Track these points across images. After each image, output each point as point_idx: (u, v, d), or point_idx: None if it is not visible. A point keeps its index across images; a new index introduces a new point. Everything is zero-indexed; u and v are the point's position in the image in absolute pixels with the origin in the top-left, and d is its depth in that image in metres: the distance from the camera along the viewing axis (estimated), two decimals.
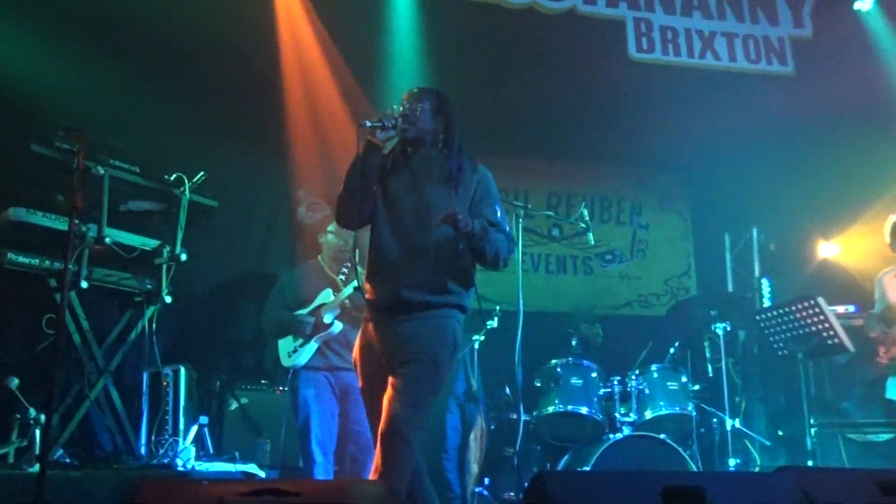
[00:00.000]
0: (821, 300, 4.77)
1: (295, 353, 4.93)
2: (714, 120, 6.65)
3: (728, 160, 7.23)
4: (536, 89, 6.46)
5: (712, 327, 5.81)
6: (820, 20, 6.00)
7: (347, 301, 4.91)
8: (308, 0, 5.77)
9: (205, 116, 5.83)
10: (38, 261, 4.27)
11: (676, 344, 5.78)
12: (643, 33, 5.75)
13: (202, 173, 4.82)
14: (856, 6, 6.15)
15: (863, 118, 6.57)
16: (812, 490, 2.58)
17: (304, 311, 4.97)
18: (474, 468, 5.50)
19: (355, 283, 4.87)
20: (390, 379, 3.30)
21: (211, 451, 4.77)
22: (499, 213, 3.49)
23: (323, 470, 4.73)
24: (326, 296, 4.99)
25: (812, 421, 5.79)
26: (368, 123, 3.28)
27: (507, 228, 3.48)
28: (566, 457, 5.46)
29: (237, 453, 4.79)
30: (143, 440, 4.62)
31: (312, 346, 4.89)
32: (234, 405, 5.63)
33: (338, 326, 4.90)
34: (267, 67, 5.82)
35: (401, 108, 3.43)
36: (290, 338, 4.99)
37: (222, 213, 5.32)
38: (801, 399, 5.54)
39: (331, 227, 5.18)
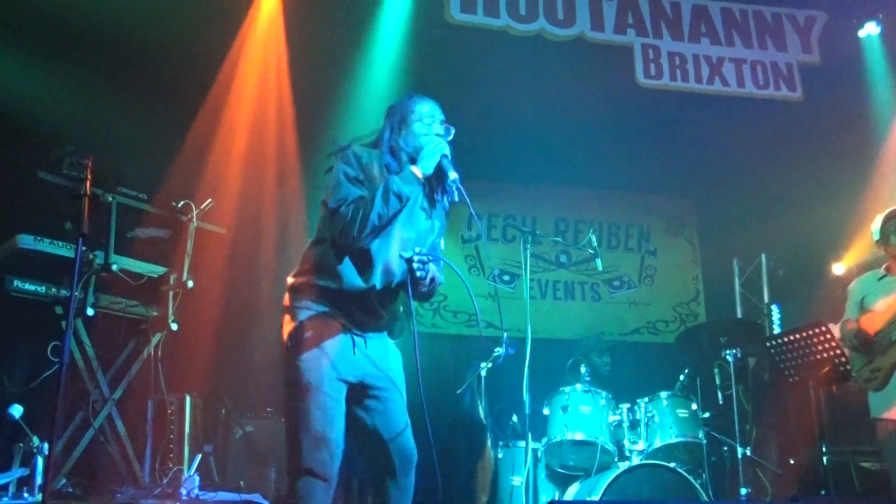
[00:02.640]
0: (831, 326, 4.72)
1: None
2: (722, 145, 6.66)
3: (736, 186, 7.24)
4: (546, 115, 6.50)
5: (722, 354, 5.77)
6: (827, 46, 6.02)
7: None
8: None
9: (214, 144, 5.85)
10: (44, 288, 4.27)
11: (686, 371, 5.72)
12: (651, 59, 5.78)
13: (209, 200, 4.82)
14: (860, 33, 6.19)
15: (869, 141, 6.60)
16: None
17: None
18: (482, 498, 5.44)
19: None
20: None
21: (216, 479, 4.73)
22: None
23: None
24: None
25: (824, 449, 5.72)
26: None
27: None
28: (575, 485, 5.40)
29: (242, 482, 4.74)
30: (147, 469, 4.57)
31: None
32: (240, 433, 5.59)
33: None
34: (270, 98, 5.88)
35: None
36: None
37: (230, 241, 5.31)
38: (812, 427, 5.48)
39: None
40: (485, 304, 7.29)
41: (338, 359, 2.94)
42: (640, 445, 5.32)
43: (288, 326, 2.97)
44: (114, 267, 4.42)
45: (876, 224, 4.61)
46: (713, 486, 5.51)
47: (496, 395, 5.78)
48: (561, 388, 5.48)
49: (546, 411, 5.49)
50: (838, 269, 7.36)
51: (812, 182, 6.82)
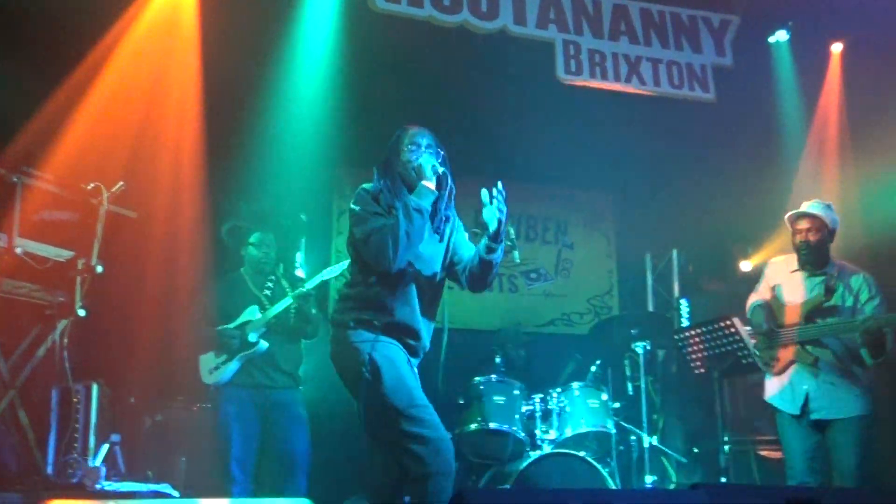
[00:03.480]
0: (736, 320, 4.88)
1: (217, 369, 4.82)
2: (639, 143, 6.81)
3: (651, 183, 7.43)
4: (467, 107, 6.53)
5: (633, 346, 5.93)
6: (739, 50, 6.22)
7: (274, 318, 4.84)
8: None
9: (127, 127, 5.68)
10: None
11: (598, 362, 5.86)
12: (572, 56, 5.85)
13: (121, 183, 4.68)
14: (770, 39, 6.42)
15: (778, 144, 6.86)
16: None
17: (229, 327, 4.87)
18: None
19: (289, 299, 4.81)
20: None
21: (123, 470, 4.62)
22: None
23: (241, 489, 4.63)
24: (252, 313, 4.90)
25: (726, 438, 5.95)
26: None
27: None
28: (487, 474, 5.47)
29: (150, 473, 4.65)
30: (51, 460, 4.43)
31: (235, 363, 4.79)
32: (150, 423, 5.47)
33: (263, 345, 4.81)
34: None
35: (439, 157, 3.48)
36: (211, 354, 4.88)
37: (145, 226, 5.18)
38: (715, 417, 5.69)
39: (252, 239, 5.09)
40: None
41: (410, 374, 3.33)
42: (552, 435, 5.43)
43: (357, 357, 3.23)
44: (18, 250, 4.25)
45: (786, 219, 4.73)
46: (620, 473, 5.68)
47: None
48: (475, 379, 5.55)
49: (461, 401, 5.54)
50: (745, 266, 7.62)
51: (722, 181, 7.02)
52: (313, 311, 4.96)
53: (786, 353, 4.53)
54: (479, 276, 3.56)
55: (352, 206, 3.39)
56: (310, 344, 5.11)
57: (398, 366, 3.26)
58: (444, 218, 3.47)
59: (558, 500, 2.57)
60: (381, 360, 3.22)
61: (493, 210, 3.41)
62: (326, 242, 7.23)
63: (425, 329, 3.45)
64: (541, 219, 7.94)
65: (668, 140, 6.81)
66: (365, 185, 3.47)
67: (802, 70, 6.55)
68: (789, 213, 4.64)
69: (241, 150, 6.11)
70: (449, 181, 3.42)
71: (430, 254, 3.47)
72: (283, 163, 6.15)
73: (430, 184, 3.36)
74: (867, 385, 4.42)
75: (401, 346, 3.34)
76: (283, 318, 4.86)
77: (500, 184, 3.41)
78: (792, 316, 4.54)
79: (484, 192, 3.41)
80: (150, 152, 5.77)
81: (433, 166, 3.39)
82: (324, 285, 5.14)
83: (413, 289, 3.37)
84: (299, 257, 5.52)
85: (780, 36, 6.42)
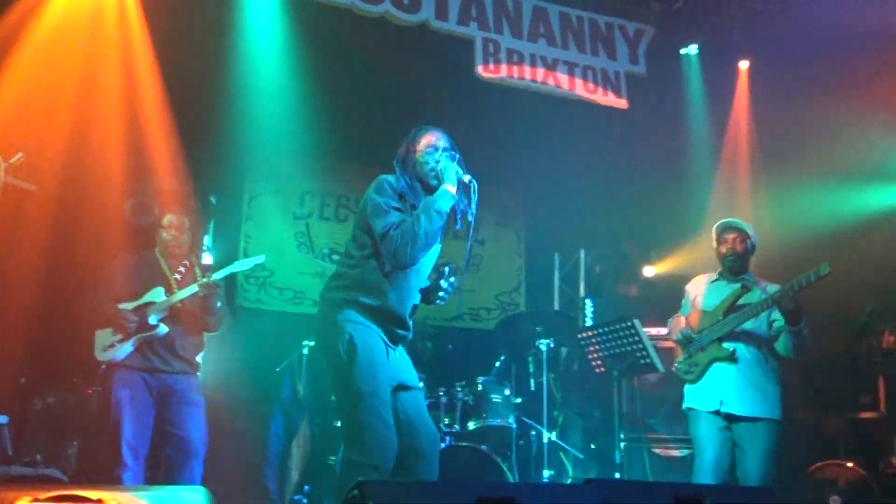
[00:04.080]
0: (636, 322, 5.02)
1: (112, 347, 4.65)
2: (552, 143, 6.93)
3: (563, 183, 7.55)
4: (387, 98, 6.53)
5: (537, 343, 6.03)
6: (653, 60, 6.40)
7: (179, 304, 4.71)
8: None
9: (32, 97, 5.45)
10: None
11: (502, 357, 5.94)
12: (491, 53, 5.91)
13: (20, 154, 4.48)
14: (682, 51, 6.64)
15: (685, 156, 7.08)
16: (616, 501, 2.72)
17: (130, 306, 4.71)
18: (295, 475, 5.43)
19: (195, 287, 4.69)
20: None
21: (10, 453, 4.43)
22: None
23: (133, 475, 4.49)
24: (157, 294, 4.75)
25: (622, 436, 6.12)
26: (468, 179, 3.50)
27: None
28: None
29: (39, 456, 4.47)
30: None
31: (130, 344, 4.64)
32: (40, 404, 5.26)
33: (163, 329, 4.68)
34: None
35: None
36: (108, 331, 4.70)
37: (50, 201, 4.97)
38: (613, 415, 5.85)
39: (164, 221, 4.94)
40: (313, 282, 7.26)
41: (384, 366, 3.36)
42: (454, 428, 5.48)
43: (339, 333, 3.33)
44: None
45: (712, 233, 4.92)
46: (519, 467, 5.78)
47: (317, 374, 5.77)
48: None
49: None
50: (649, 271, 7.86)
51: (632, 186, 7.22)
52: (218, 303, 4.83)
53: (703, 357, 4.69)
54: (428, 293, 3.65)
55: (373, 195, 3.45)
56: (214, 334, 5.01)
57: (374, 354, 3.35)
58: (465, 219, 3.57)
59: (456, 491, 2.60)
60: (359, 344, 3.31)
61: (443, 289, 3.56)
62: (236, 227, 7.09)
63: (410, 319, 3.54)
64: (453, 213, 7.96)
65: (582, 142, 6.94)
66: (387, 177, 3.52)
67: (713, 83, 6.79)
68: (719, 224, 4.83)
69: (150, 129, 5.93)
70: (476, 189, 3.51)
71: (432, 251, 3.57)
72: (193, 143, 6.01)
73: (452, 188, 3.43)
74: (780, 390, 4.62)
75: (383, 335, 3.42)
76: (187, 304, 4.74)
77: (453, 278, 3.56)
78: (711, 318, 4.71)
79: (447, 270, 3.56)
80: (54, 123, 5.55)
81: (456, 171, 3.47)
82: (231, 277, 5.03)
83: (408, 280, 3.47)
84: (206, 240, 5.40)
85: (692, 49, 6.64)
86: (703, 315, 4.76)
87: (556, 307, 7.86)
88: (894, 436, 5.90)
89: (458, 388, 5.58)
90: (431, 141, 3.58)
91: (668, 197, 7.05)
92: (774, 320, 4.58)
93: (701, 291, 4.87)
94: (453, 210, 3.52)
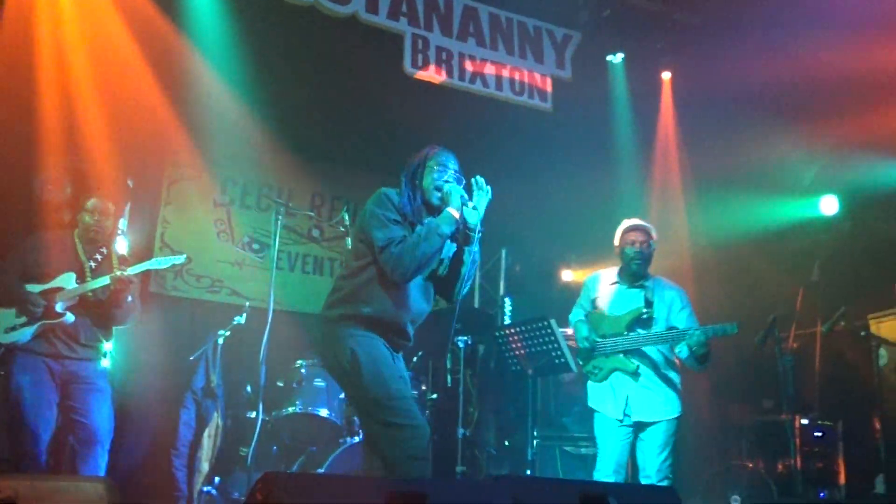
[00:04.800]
0: (552, 322, 5.09)
1: (14, 330, 4.49)
2: (480, 143, 6.96)
3: (487, 182, 7.58)
4: (316, 90, 6.46)
5: (455, 340, 6.08)
6: (579, 65, 6.50)
7: (90, 293, 4.57)
8: None
9: None
10: None
11: (420, 353, 5.97)
12: (420, 50, 5.91)
13: None
14: (608, 58, 6.77)
15: (612, 162, 7.23)
16: (523, 497, 2.77)
17: (37, 288, 4.54)
18: (205, 466, 5.35)
19: (108, 280, 4.56)
20: None
21: None
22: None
23: (35, 464, 4.35)
24: (67, 280, 4.58)
25: (535, 433, 6.23)
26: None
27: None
28: (300, 459, 5.46)
29: None
30: None
31: (33, 328, 4.48)
32: None
33: (69, 318, 4.54)
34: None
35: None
36: (13, 311, 4.52)
37: None
38: (527, 413, 5.94)
39: (88, 205, 4.77)
40: (231, 271, 7.15)
41: (391, 367, 3.45)
42: None
43: (341, 351, 3.40)
44: None
45: (617, 232, 5.01)
46: (433, 463, 5.80)
47: (232, 364, 5.70)
48: (297, 362, 5.51)
49: (280, 383, 5.49)
50: (567, 275, 7.98)
51: (556, 189, 7.32)
52: (129, 298, 4.69)
53: (607, 363, 4.80)
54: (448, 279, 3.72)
55: (372, 207, 3.52)
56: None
57: (378, 359, 3.42)
58: (465, 235, 3.61)
59: (361, 486, 2.61)
60: (361, 354, 3.38)
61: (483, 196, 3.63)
62: (153, 211, 6.92)
63: (411, 328, 3.61)
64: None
65: (508, 143, 7.01)
66: (388, 191, 3.57)
67: (639, 91, 6.93)
68: (627, 224, 4.91)
69: (67, 103, 5.72)
70: (479, 229, 3.60)
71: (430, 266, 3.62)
72: (113, 123, 5.84)
73: (456, 212, 3.50)
74: (680, 389, 4.77)
75: (384, 342, 3.48)
76: (98, 295, 4.60)
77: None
78: (613, 326, 4.81)
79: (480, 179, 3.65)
80: None
81: (462, 196, 3.55)
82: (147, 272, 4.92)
83: (407, 291, 3.53)
84: (121, 224, 5.26)
85: (617, 57, 6.77)
86: (606, 320, 4.86)
87: (476, 305, 7.92)
88: (793, 438, 6.18)
89: None
90: (442, 161, 3.66)
91: (593, 201, 7.18)
92: (679, 351, 4.72)
93: (603, 294, 4.96)
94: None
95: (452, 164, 3.70)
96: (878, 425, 6.05)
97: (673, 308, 4.77)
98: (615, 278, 4.94)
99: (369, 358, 3.39)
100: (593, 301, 4.97)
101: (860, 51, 5.70)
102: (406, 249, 3.39)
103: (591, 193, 7.19)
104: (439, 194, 3.59)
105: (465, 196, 3.59)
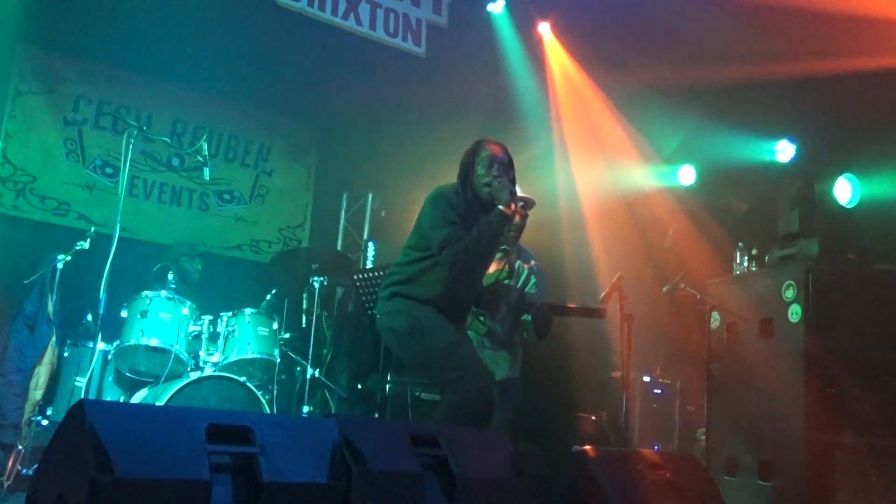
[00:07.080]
0: None
1: None
2: (350, 83, 6.84)
3: (357, 124, 7.50)
4: (184, 10, 6.13)
5: (311, 280, 6.01)
6: (457, 13, 6.44)
7: None
8: None
9: None
10: None
11: (273, 291, 5.86)
12: None
13: None
14: (489, 8, 6.73)
15: (483, 111, 7.23)
16: (351, 436, 2.77)
17: None
18: (37, 395, 5.10)
19: None
20: None
21: None
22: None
23: None
24: None
25: (388, 378, 6.27)
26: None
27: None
28: (143, 391, 5.30)
29: None
30: None
31: None
32: None
33: None
34: None
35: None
36: None
37: None
38: (380, 357, 5.96)
39: None
40: (80, 194, 6.78)
41: (445, 324, 3.68)
42: (216, 358, 5.38)
43: (397, 324, 3.71)
44: None
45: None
46: (280, 402, 5.77)
47: (72, 291, 5.42)
48: (143, 293, 5.31)
49: (124, 314, 5.28)
50: None
51: (427, 135, 7.28)
52: None
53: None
54: None
55: (429, 208, 3.69)
56: None
57: (433, 317, 3.66)
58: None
59: (186, 418, 2.53)
60: (417, 316, 3.65)
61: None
62: None
63: (459, 308, 3.83)
64: (243, 140, 7.70)
65: (381, 86, 6.90)
66: (444, 191, 3.73)
67: (519, 41, 6.91)
68: None
69: None
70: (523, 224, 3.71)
71: None
72: None
73: (507, 209, 3.58)
74: (523, 350, 4.88)
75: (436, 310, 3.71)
76: None
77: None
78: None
79: None
80: None
81: (511, 191, 3.62)
82: None
83: (456, 279, 3.68)
84: None
85: (498, 7, 6.74)
86: None
87: (339, 247, 7.85)
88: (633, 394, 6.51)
89: (225, 318, 5.46)
90: (489, 154, 3.73)
91: (462, 151, 7.16)
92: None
93: None
94: None
95: (500, 157, 3.76)
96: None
97: (523, 277, 4.87)
98: None
99: (426, 315, 3.65)
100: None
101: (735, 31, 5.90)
102: (463, 249, 3.57)
103: (463, 144, 7.18)
104: (488, 189, 3.68)
105: (513, 189, 3.66)
